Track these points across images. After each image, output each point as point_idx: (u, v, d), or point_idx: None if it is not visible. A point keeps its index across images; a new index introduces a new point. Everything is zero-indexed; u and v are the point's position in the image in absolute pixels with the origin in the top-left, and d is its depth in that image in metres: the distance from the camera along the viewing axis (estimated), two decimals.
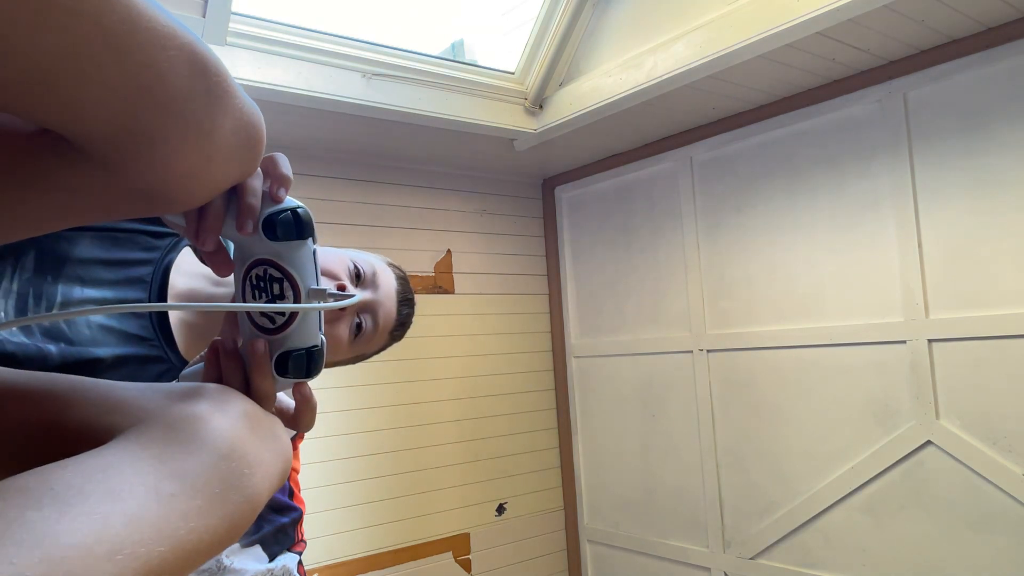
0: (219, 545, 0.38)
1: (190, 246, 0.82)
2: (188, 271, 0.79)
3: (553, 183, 3.22)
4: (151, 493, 0.36)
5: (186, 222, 0.51)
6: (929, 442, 2.04)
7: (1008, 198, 1.91)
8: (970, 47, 1.95)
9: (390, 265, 0.93)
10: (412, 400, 2.79)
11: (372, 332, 0.88)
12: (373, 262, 0.89)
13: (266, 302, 0.53)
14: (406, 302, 0.92)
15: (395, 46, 2.32)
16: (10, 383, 0.47)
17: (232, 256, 0.55)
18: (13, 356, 0.63)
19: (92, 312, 0.48)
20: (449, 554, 2.84)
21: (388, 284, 0.89)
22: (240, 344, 0.54)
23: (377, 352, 0.95)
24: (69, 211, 0.44)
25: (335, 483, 2.57)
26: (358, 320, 0.85)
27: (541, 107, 2.59)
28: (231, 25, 1.92)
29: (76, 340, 0.68)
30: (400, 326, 0.92)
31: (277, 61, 2.07)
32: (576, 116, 2.46)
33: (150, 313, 0.75)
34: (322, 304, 0.53)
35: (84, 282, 0.71)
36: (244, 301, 0.54)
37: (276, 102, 2.10)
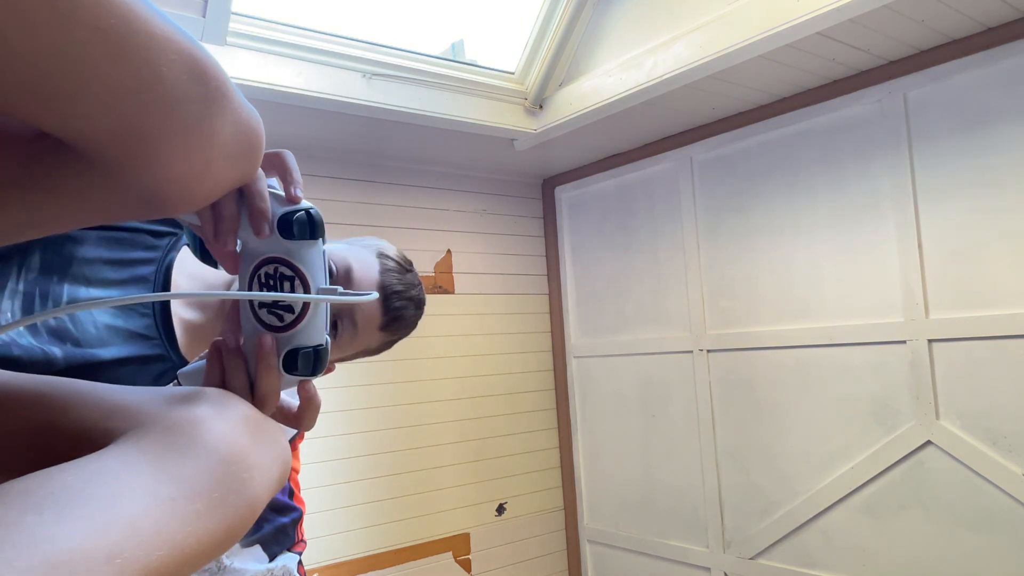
0: (218, 549, 0.38)
1: (188, 245, 0.83)
2: (190, 272, 0.80)
3: (553, 183, 3.22)
4: (150, 497, 0.36)
5: (202, 223, 0.51)
6: (929, 442, 2.04)
7: (1008, 198, 1.91)
8: (970, 47, 1.95)
9: (381, 255, 0.86)
10: (412, 400, 2.79)
11: (351, 332, 0.82)
12: (350, 256, 0.83)
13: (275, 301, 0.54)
14: (395, 295, 0.85)
15: (395, 46, 2.32)
16: (10, 387, 0.47)
17: (239, 254, 0.55)
18: (19, 360, 0.63)
19: (101, 305, 0.49)
20: (449, 554, 2.85)
21: (367, 278, 0.83)
22: (242, 342, 0.55)
23: (381, 347, 0.89)
24: (69, 214, 0.45)
25: (335, 483, 2.57)
26: (332, 320, 0.79)
27: (541, 107, 2.59)
28: (231, 25, 1.92)
29: (83, 340, 0.68)
30: (393, 320, 0.85)
31: (277, 61, 2.07)
32: (576, 116, 2.46)
33: (154, 312, 0.75)
34: (335, 297, 0.54)
35: (90, 282, 0.71)
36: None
37: (276, 102, 2.10)
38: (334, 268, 0.81)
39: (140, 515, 0.35)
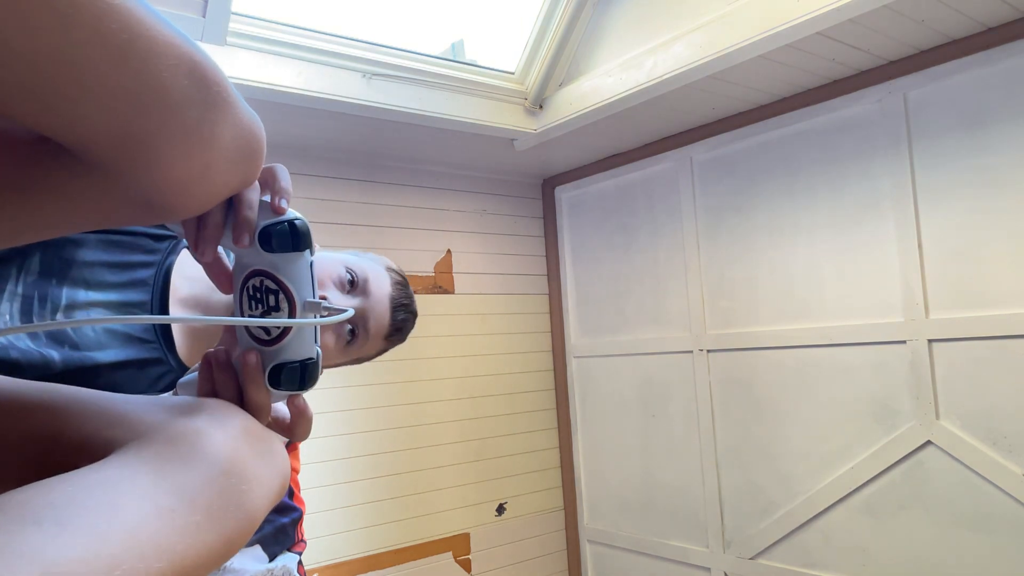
0: (217, 560, 0.38)
1: (188, 248, 0.83)
2: (189, 275, 0.79)
3: (553, 183, 3.22)
4: (150, 509, 0.36)
5: (185, 231, 0.51)
6: (929, 442, 2.04)
7: (1008, 198, 1.91)
8: (970, 47, 1.95)
9: (389, 269, 0.92)
10: (412, 400, 2.79)
11: (364, 339, 0.87)
12: (367, 267, 0.88)
13: (261, 313, 0.53)
14: (401, 307, 0.91)
15: (395, 46, 2.32)
16: (12, 395, 0.47)
17: (232, 266, 0.55)
18: (17, 363, 0.62)
19: (92, 323, 0.49)
20: (449, 554, 2.84)
21: (381, 290, 0.88)
22: (235, 355, 0.54)
23: (376, 356, 0.95)
24: (69, 217, 0.44)
25: (335, 483, 2.57)
26: (350, 327, 0.85)
27: (541, 107, 2.59)
28: (231, 25, 1.92)
29: (81, 343, 0.68)
30: (396, 331, 0.92)
31: (277, 61, 2.06)
32: (576, 116, 2.45)
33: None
34: (314, 319, 0.53)
35: (89, 285, 0.71)
36: (241, 311, 0.54)
37: (276, 102, 2.10)
38: (355, 277, 0.86)
39: (140, 527, 0.35)
